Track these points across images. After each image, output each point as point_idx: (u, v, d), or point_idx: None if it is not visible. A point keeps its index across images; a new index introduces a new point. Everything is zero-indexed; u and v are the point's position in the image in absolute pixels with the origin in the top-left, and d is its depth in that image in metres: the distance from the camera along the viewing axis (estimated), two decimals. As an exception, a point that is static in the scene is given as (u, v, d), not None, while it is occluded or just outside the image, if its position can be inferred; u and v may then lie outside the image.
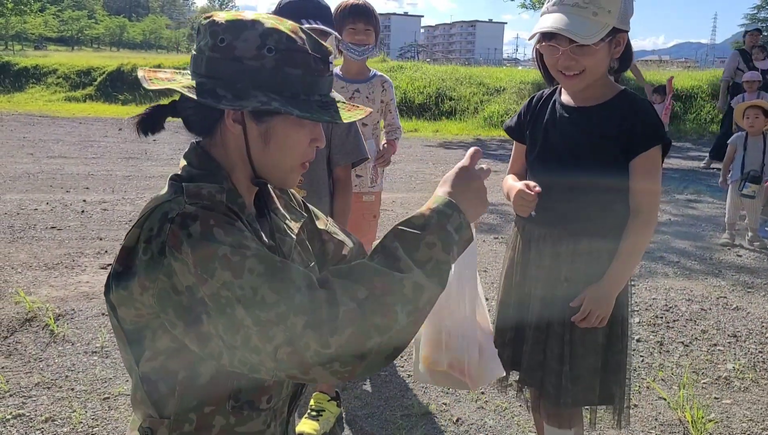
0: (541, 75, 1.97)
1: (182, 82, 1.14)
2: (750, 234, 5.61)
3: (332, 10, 2.67)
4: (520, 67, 30.24)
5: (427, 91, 16.02)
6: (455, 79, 16.60)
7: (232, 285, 1.00)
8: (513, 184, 1.95)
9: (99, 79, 19.08)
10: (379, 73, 3.13)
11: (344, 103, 1.22)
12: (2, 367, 3.01)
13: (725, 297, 4.31)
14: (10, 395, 2.76)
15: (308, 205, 1.51)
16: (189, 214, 1.04)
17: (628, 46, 1.87)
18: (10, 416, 2.60)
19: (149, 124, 1.18)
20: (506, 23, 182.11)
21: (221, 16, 1.15)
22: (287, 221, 1.34)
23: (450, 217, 1.13)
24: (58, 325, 3.47)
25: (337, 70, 3.02)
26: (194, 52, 1.16)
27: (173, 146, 9.91)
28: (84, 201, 6.47)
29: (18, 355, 3.15)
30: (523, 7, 23.23)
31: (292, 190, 1.46)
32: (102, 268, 4.48)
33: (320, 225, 1.48)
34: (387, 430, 2.63)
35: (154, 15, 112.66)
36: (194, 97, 1.09)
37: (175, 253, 1.01)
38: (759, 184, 5.48)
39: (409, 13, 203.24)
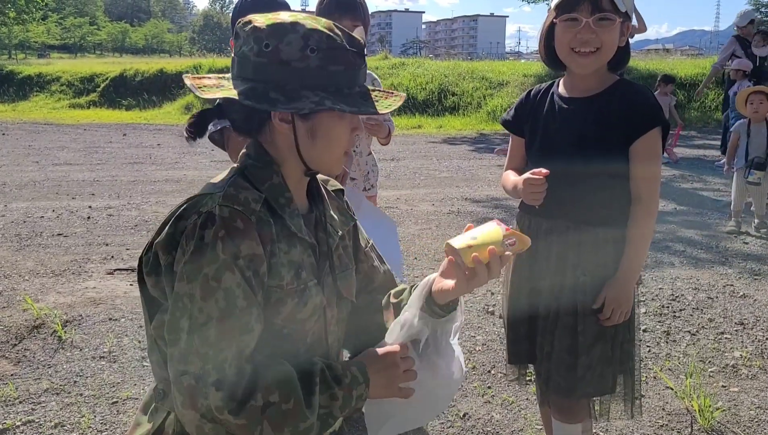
0: (543, 59, 1.96)
1: (231, 89, 1.22)
2: (756, 221, 5.58)
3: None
4: (522, 61, 30.10)
5: (430, 87, 16.00)
6: (458, 75, 16.57)
7: (195, 301, 1.11)
8: (517, 178, 1.94)
9: (102, 86, 19.18)
10: (368, 71, 2.99)
11: (378, 91, 1.30)
12: (11, 374, 3.04)
13: (732, 285, 4.29)
14: (20, 402, 2.78)
15: (356, 219, 1.53)
16: (212, 217, 1.13)
17: (628, 45, 1.89)
18: (20, 423, 2.62)
19: (198, 130, 1.30)
20: (508, 17, 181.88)
21: (261, 21, 1.20)
22: (334, 223, 1.38)
23: (359, 386, 1.23)
24: (65, 332, 3.49)
25: None
26: (236, 57, 1.23)
27: (177, 150, 9.95)
28: (90, 207, 6.50)
29: (27, 361, 3.17)
30: (524, -1, 23.14)
31: (347, 199, 1.52)
32: (109, 274, 4.51)
33: (362, 242, 1.51)
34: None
35: (156, 19, 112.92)
36: (252, 103, 1.17)
37: (183, 242, 1.14)
38: (764, 171, 5.44)
39: (410, 9, 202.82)
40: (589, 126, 1.85)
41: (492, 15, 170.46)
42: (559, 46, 1.84)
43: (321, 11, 2.75)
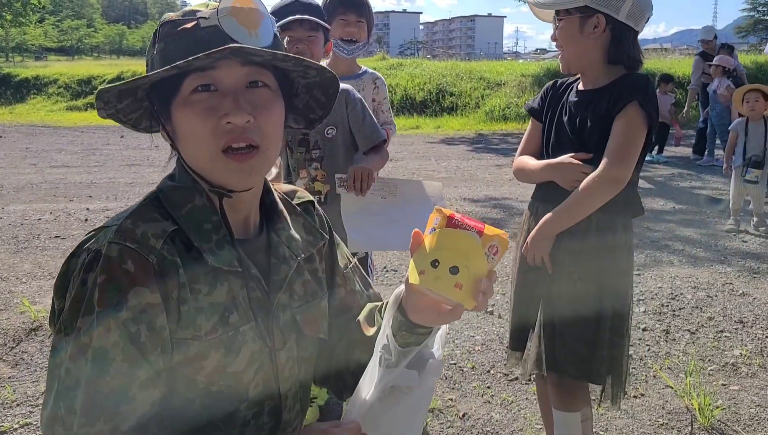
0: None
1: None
2: (755, 219, 5.58)
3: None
4: (520, 61, 30.14)
5: (428, 88, 16.00)
6: (455, 75, 16.58)
7: (65, 359, 0.93)
8: (540, 161, 1.98)
9: (100, 88, 19.17)
10: (371, 71, 2.92)
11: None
12: (9, 377, 3.03)
13: (731, 283, 4.29)
14: (18, 405, 2.77)
15: (334, 236, 1.29)
16: (98, 257, 0.94)
17: (617, 35, 1.87)
18: (17, 425, 2.61)
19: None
20: (505, 17, 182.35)
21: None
22: (293, 244, 1.14)
23: None
24: (63, 334, 3.48)
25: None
26: None
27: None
28: (87, 209, 6.49)
29: (24, 364, 3.16)
30: (521, -1, 23.19)
31: (321, 212, 1.28)
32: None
33: (341, 262, 1.27)
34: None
35: (153, 21, 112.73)
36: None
37: (70, 286, 0.97)
38: (761, 169, 5.45)
39: (408, 10, 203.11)
40: (588, 117, 1.90)
41: (490, 15, 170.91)
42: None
43: (326, 8, 2.77)
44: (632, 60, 1.90)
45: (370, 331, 1.16)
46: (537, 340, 1.98)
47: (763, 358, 3.21)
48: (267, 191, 1.15)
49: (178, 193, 1.05)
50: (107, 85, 0.94)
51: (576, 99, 1.97)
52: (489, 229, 0.97)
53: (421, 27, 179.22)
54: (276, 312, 1.09)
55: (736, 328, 3.57)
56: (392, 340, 1.03)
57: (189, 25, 0.98)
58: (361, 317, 1.19)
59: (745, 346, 3.35)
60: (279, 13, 2.32)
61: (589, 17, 1.84)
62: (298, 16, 2.26)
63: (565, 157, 1.91)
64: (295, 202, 1.23)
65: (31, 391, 2.89)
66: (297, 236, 1.16)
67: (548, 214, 1.92)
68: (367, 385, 1.05)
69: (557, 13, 1.92)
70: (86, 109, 17.87)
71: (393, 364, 1.03)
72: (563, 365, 1.94)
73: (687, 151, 10.07)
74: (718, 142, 8.91)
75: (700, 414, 2.67)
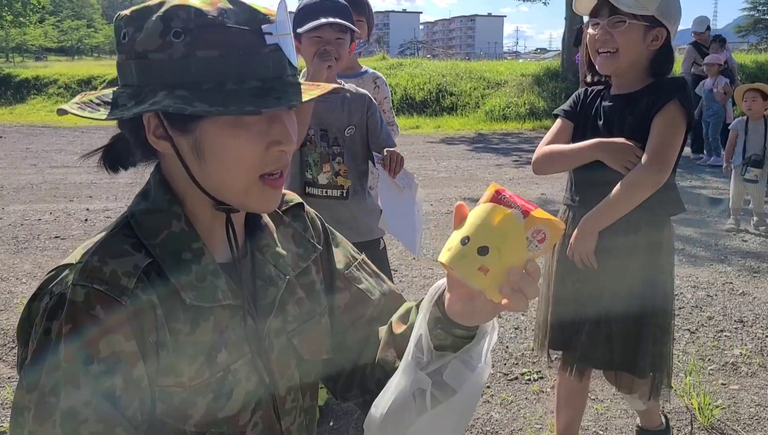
0: (587, 65, 2.09)
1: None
2: (755, 219, 5.58)
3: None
4: (520, 60, 30.15)
5: (428, 88, 15.99)
6: (455, 74, 16.57)
7: (23, 419, 0.81)
8: (593, 140, 1.97)
9: (100, 88, 19.14)
10: (372, 70, 2.96)
11: (307, 84, 0.91)
12: (9, 378, 3.03)
13: (731, 283, 4.29)
14: (17, 405, 2.78)
15: (333, 234, 1.17)
16: (62, 301, 0.82)
17: (669, 50, 1.97)
18: (17, 426, 2.62)
19: (118, 158, 1.02)
20: (505, 16, 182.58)
21: (130, 8, 0.90)
22: (280, 262, 1.02)
23: None
24: (63, 334, 3.48)
25: None
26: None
27: (175, 152, 9.91)
28: (87, 209, 6.49)
29: (24, 365, 3.16)
30: (521, -1, 23.17)
31: (313, 215, 1.15)
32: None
33: (339, 264, 1.13)
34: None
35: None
36: (78, 114, 0.88)
37: (33, 333, 0.85)
38: (761, 169, 5.45)
39: (408, 10, 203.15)
40: (625, 119, 1.96)
41: (490, 15, 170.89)
42: (589, 50, 2.01)
43: None
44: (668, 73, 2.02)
45: (400, 328, 1.03)
46: (585, 337, 2.03)
47: (763, 358, 3.21)
48: None
49: (153, 218, 0.92)
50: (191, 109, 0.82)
51: (611, 103, 2.02)
52: (539, 212, 0.81)
53: (421, 27, 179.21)
54: (269, 340, 0.98)
55: (736, 328, 3.57)
56: (427, 336, 0.90)
57: (254, 40, 0.85)
58: (394, 317, 1.07)
59: (745, 345, 3.35)
60: (307, 10, 2.32)
61: (652, 28, 1.90)
62: (330, 20, 2.25)
63: (619, 139, 1.94)
64: (282, 208, 1.10)
65: (31, 391, 2.89)
66: (284, 252, 1.04)
67: (589, 212, 1.96)
68: (393, 387, 0.93)
69: (616, 14, 1.88)
70: (86, 110, 17.86)
71: (423, 364, 0.90)
72: (610, 361, 2.03)
73: (686, 151, 10.06)
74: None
75: (699, 413, 2.67)
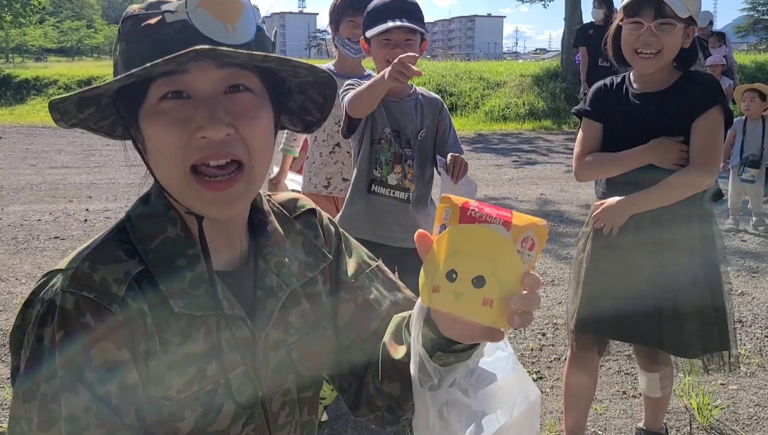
0: (611, 56, 2.10)
1: None
2: (754, 219, 5.58)
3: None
4: (520, 61, 30.17)
5: (428, 88, 15.87)
6: (455, 75, 16.57)
7: (32, 429, 0.79)
8: (639, 147, 2.00)
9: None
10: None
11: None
12: (8, 378, 3.03)
13: (730, 282, 4.27)
14: (17, 405, 2.78)
15: (346, 240, 1.10)
16: (53, 309, 0.81)
17: (694, 45, 2.01)
18: (17, 426, 2.62)
19: None
20: (505, 17, 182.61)
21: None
22: (284, 272, 0.97)
23: None
24: (63, 335, 3.48)
25: (329, 65, 2.90)
26: None
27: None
28: (87, 210, 6.49)
29: (24, 365, 3.16)
30: (520, -1, 23.19)
31: (327, 220, 1.09)
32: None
33: (347, 273, 1.06)
34: (394, 427, 2.63)
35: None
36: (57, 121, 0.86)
37: (25, 341, 0.83)
38: (758, 169, 5.45)
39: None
40: (663, 119, 1.99)
41: (489, 15, 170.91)
42: (624, 47, 2.01)
43: (334, 11, 2.79)
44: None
45: (398, 353, 0.94)
46: (652, 322, 2.07)
47: (761, 358, 3.22)
48: (254, 208, 0.99)
49: (148, 223, 0.90)
50: (61, 96, 0.81)
51: (640, 102, 2.04)
52: (518, 218, 0.73)
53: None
54: (265, 352, 0.94)
55: (734, 328, 3.57)
56: (428, 360, 0.83)
57: (153, 21, 0.82)
58: (386, 337, 0.98)
59: (744, 345, 3.36)
60: (375, 12, 2.31)
61: (688, 26, 1.94)
62: (398, 23, 2.24)
63: (660, 139, 1.98)
64: (293, 214, 1.05)
65: (30, 391, 2.89)
66: (288, 261, 0.98)
67: (633, 195, 2.01)
68: (420, 423, 0.84)
69: (664, 17, 1.90)
70: (86, 110, 17.87)
71: (437, 387, 0.83)
72: (677, 345, 2.09)
73: (686, 151, 10.07)
74: None
75: (698, 413, 2.67)
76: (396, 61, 1.99)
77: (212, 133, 0.81)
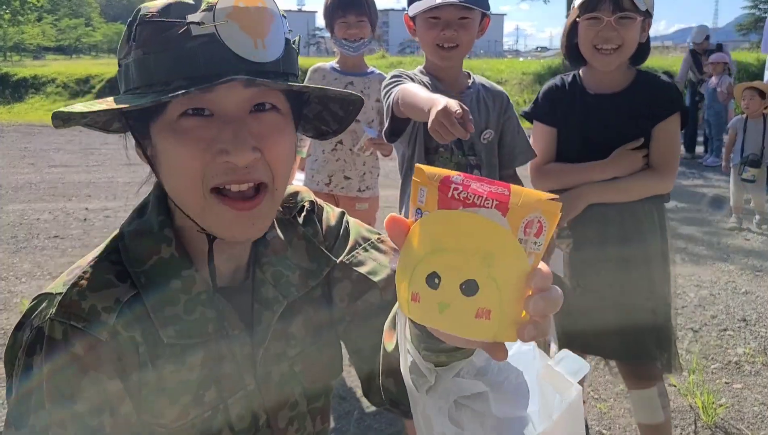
0: (565, 55, 2.06)
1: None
2: (757, 217, 5.56)
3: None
4: (521, 59, 30.14)
5: (427, 86, 15.97)
6: (455, 73, 16.55)
7: None
8: (600, 162, 1.95)
9: (98, 87, 19.13)
10: (378, 71, 2.91)
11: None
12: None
13: (734, 281, 4.27)
14: (16, 405, 2.76)
15: (347, 229, 1.02)
16: (41, 337, 0.78)
17: (649, 40, 1.97)
18: (16, 427, 2.60)
19: None
20: (506, 14, 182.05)
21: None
22: (282, 282, 0.92)
23: None
24: (62, 334, 3.46)
25: (333, 63, 2.89)
26: None
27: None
28: (86, 209, 6.47)
29: (23, 365, 3.14)
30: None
31: (328, 210, 1.03)
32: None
33: (345, 250, 1.00)
34: (395, 426, 2.61)
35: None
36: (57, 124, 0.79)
37: (16, 367, 0.80)
38: (758, 168, 5.43)
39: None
40: (625, 122, 1.94)
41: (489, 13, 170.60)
42: (582, 44, 1.93)
43: (327, 10, 2.78)
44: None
45: (391, 343, 0.84)
46: (606, 336, 2.04)
47: (766, 356, 3.20)
48: None
49: (141, 242, 0.85)
50: (67, 110, 0.75)
51: (600, 103, 1.96)
52: (518, 195, 0.54)
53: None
54: (266, 368, 0.90)
55: (739, 326, 3.56)
56: (419, 359, 0.68)
57: (178, 32, 0.76)
58: (388, 320, 0.88)
59: (749, 344, 3.34)
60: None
61: (645, 20, 1.90)
62: (448, 0, 1.81)
63: (622, 150, 1.94)
64: (295, 213, 1.00)
65: (30, 391, 2.87)
66: (288, 271, 0.93)
67: (592, 185, 1.95)
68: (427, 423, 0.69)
69: (623, 10, 1.83)
70: (85, 109, 17.84)
71: (434, 385, 0.68)
72: (631, 353, 2.07)
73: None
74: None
75: (703, 412, 2.65)
76: (442, 110, 1.48)
77: (238, 159, 0.76)
